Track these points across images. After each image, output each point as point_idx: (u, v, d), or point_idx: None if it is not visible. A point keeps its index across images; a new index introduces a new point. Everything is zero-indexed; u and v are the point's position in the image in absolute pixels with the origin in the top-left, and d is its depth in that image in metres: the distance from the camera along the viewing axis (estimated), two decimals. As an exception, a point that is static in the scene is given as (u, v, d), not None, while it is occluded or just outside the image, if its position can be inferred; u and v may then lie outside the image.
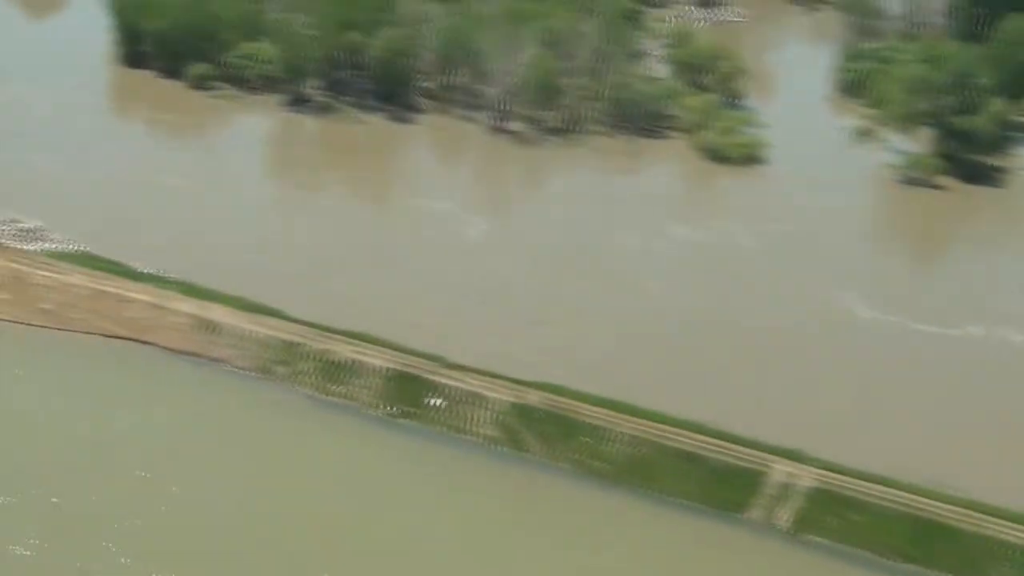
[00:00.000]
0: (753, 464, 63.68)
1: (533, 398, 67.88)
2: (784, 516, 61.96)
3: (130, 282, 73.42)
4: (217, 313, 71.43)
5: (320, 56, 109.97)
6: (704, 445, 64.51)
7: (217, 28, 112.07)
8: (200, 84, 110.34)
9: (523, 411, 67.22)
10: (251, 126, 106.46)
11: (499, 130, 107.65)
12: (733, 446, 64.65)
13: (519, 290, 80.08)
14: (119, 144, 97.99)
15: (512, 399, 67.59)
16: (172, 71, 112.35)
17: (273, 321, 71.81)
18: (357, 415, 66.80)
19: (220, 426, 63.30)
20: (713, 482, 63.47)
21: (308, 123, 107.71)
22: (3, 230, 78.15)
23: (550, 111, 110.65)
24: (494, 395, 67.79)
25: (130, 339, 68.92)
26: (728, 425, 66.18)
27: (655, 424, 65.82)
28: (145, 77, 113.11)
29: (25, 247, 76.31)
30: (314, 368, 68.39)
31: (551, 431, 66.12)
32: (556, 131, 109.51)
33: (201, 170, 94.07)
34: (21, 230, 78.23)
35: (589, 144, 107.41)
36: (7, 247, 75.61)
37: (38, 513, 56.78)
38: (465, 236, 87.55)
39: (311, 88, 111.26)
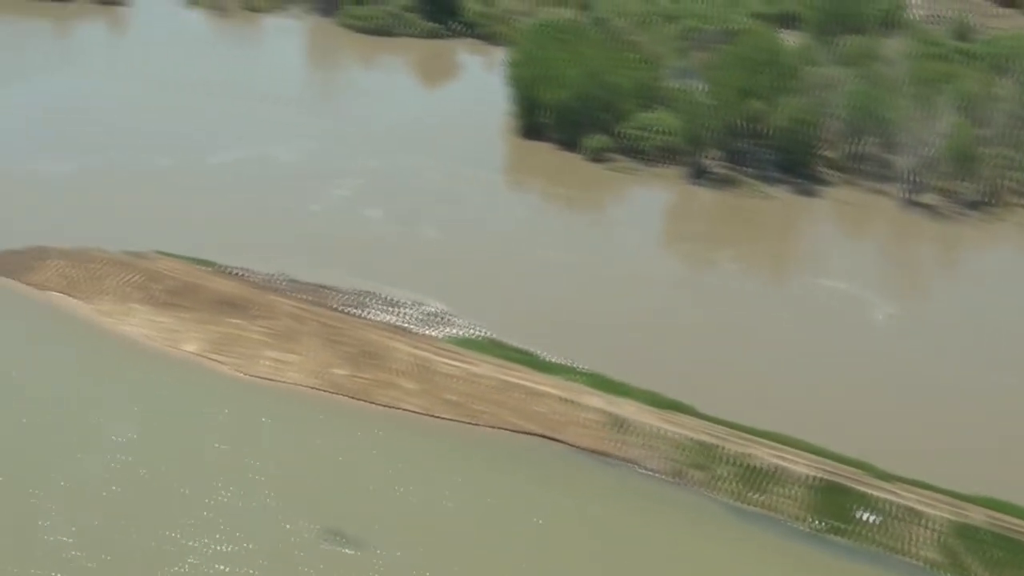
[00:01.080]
0: None
1: (976, 516, 61.14)
2: None
3: (537, 373, 71.19)
4: (627, 409, 68.35)
5: (720, 126, 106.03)
6: None
7: (615, 98, 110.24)
8: (597, 156, 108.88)
9: (965, 531, 60.70)
10: (647, 199, 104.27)
11: (911, 203, 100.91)
12: None
13: (938, 387, 73.33)
14: (512, 217, 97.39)
15: (951, 516, 61.12)
16: (569, 143, 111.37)
17: (685, 419, 68.17)
18: (780, 527, 61.77)
19: (630, 534, 59.74)
20: None
21: (707, 196, 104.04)
22: (408, 314, 77.52)
23: (967, 182, 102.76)
24: (931, 511, 61.45)
25: (538, 435, 66.18)
26: None
27: None
28: (542, 148, 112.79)
29: (430, 333, 75.16)
30: (731, 473, 64.08)
31: (1001, 557, 59.16)
32: (975, 204, 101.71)
33: (596, 246, 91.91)
34: (426, 314, 77.69)
35: (1012, 219, 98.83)
36: (413, 333, 75.05)
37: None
38: (872, 321, 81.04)
39: (710, 159, 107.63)
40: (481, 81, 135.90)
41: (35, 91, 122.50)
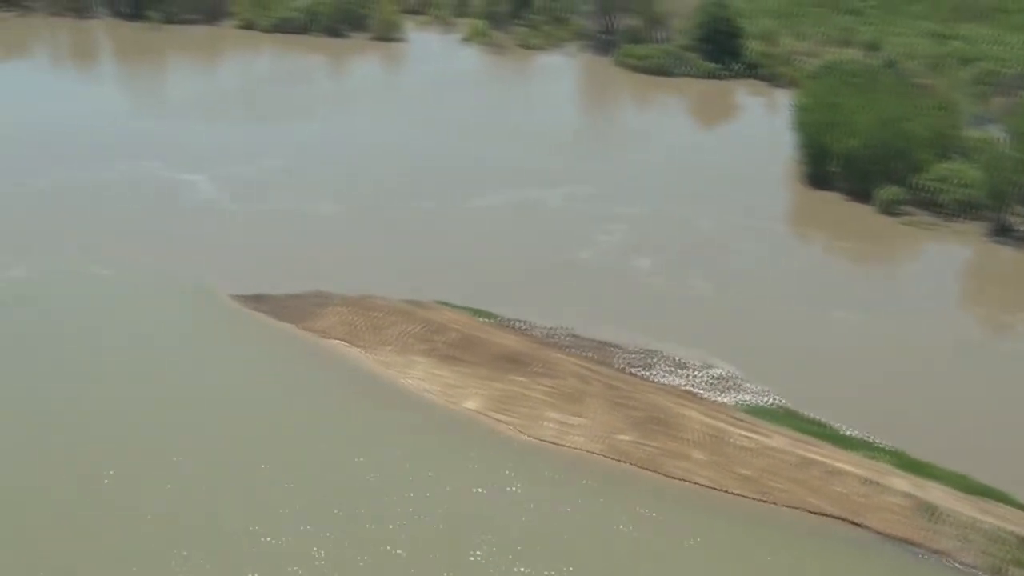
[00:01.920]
0: None
1: None
2: None
3: (835, 449, 67.09)
4: (935, 494, 63.58)
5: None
6: None
7: (909, 147, 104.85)
8: (889, 208, 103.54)
9: None
10: (942, 256, 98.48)
11: None
12: None
13: None
14: (795, 272, 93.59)
15: None
16: (859, 193, 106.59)
17: (1001, 508, 62.82)
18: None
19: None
20: None
21: (1009, 255, 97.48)
22: (696, 377, 74.45)
23: None
24: None
25: (839, 518, 62.04)
26: None
27: None
28: (829, 198, 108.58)
29: (721, 399, 71.90)
30: (1056, 574, 58.54)
31: None
32: None
33: (886, 306, 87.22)
34: (714, 377, 74.52)
35: None
36: (702, 398, 71.91)
37: None
38: None
39: (1014, 215, 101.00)
40: (762, 125, 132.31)
41: (306, 130, 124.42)
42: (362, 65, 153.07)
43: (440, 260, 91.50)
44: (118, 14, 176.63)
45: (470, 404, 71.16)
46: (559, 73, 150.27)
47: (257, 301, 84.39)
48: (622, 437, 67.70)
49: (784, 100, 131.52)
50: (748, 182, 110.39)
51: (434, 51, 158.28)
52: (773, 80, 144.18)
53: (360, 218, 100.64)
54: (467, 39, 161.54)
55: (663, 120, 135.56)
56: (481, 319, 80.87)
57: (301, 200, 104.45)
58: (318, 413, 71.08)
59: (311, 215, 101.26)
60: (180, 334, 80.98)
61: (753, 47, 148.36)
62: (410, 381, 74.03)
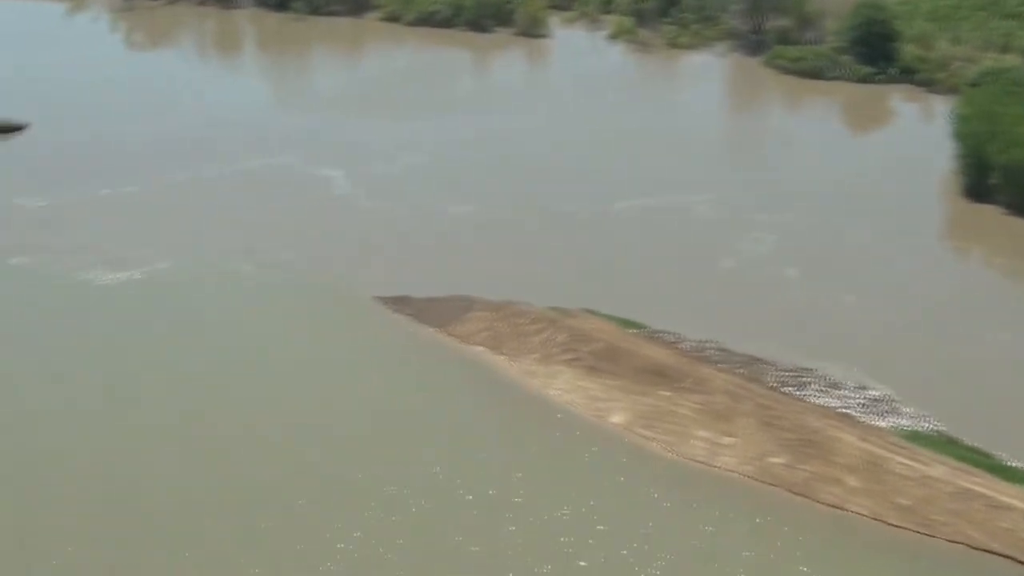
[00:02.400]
0: None
1: None
2: None
3: (1000, 481, 64.42)
4: (1104, 535, 60.33)
5: None
6: None
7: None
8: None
9: None
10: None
11: None
12: None
13: None
14: (949, 289, 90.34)
15: None
16: (1021, 207, 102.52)
17: None
18: None
19: None
20: None
21: None
22: (850, 398, 72.19)
23: None
24: None
25: (1004, 556, 59.45)
26: None
27: None
28: (989, 212, 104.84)
29: (877, 423, 69.55)
30: None
31: None
32: None
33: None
34: (869, 399, 72.22)
35: None
36: (858, 421, 69.63)
37: None
38: None
39: None
40: (918, 132, 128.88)
41: (446, 127, 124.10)
42: (505, 62, 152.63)
43: (583, 265, 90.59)
44: (263, 4, 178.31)
45: (616, 419, 69.91)
46: (707, 74, 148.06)
47: (400, 303, 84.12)
48: (774, 459, 65.86)
49: (941, 107, 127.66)
50: (902, 192, 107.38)
51: (579, 49, 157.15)
52: (930, 86, 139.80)
53: (500, 219, 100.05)
54: (613, 37, 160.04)
55: (814, 125, 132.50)
56: (629, 329, 79.10)
57: (439, 198, 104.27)
58: (459, 423, 70.46)
59: (450, 214, 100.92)
60: (322, 334, 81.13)
61: (908, 51, 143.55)
62: (553, 392, 72.97)
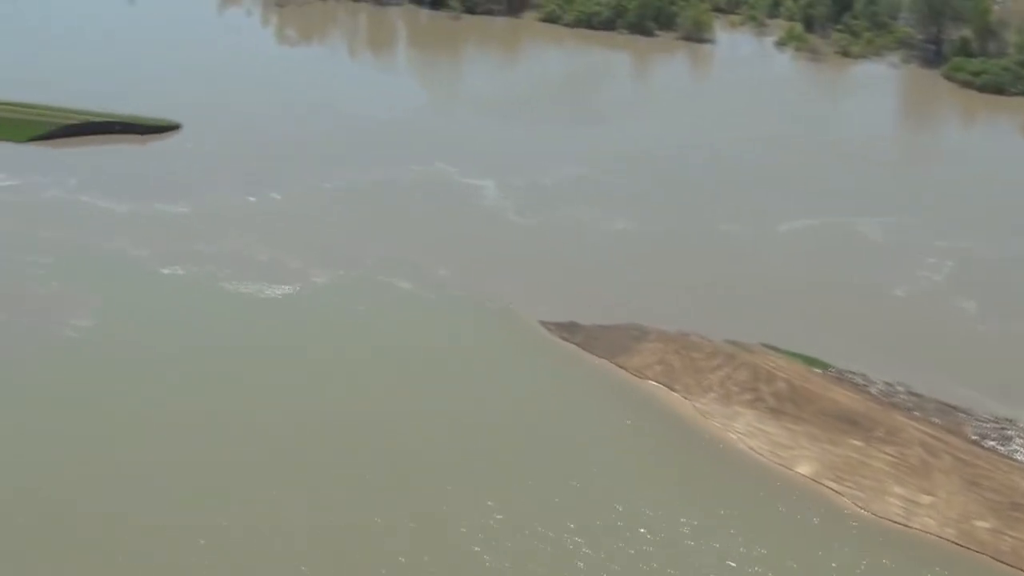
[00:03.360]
0: None
1: None
2: None
3: None
4: None
5: None
6: None
7: None
8: None
9: None
10: None
11: None
12: None
13: None
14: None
15: None
16: None
17: None
18: None
19: None
20: None
21: None
22: None
23: None
24: None
25: None
26: None
27: None
28: None
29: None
30: None
31: None
32: None
33: None
34: None
35: None
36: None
37: None
38: None
39: None
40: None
41: (602, 136, 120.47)
42: (667, 67, 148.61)
43: (753, 293, 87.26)
44: (417, 1, 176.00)
45: (802, 469, 65.97)
46: (882, 85, 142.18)
47: (567, 330, 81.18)
48: (979, 523, 61.46)
49: None
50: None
51: (746, 55, 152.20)
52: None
53: (660, 238, 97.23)
54: (781, 43, 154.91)
55: (995, 145, 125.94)
56: (813, 368, 74.90)
57: (595, 213, 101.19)
58: (634, 463, 67.34)
59: (606, 231, 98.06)
60: (490, 361, 78.45)
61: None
62: (734, 435, 69.16)
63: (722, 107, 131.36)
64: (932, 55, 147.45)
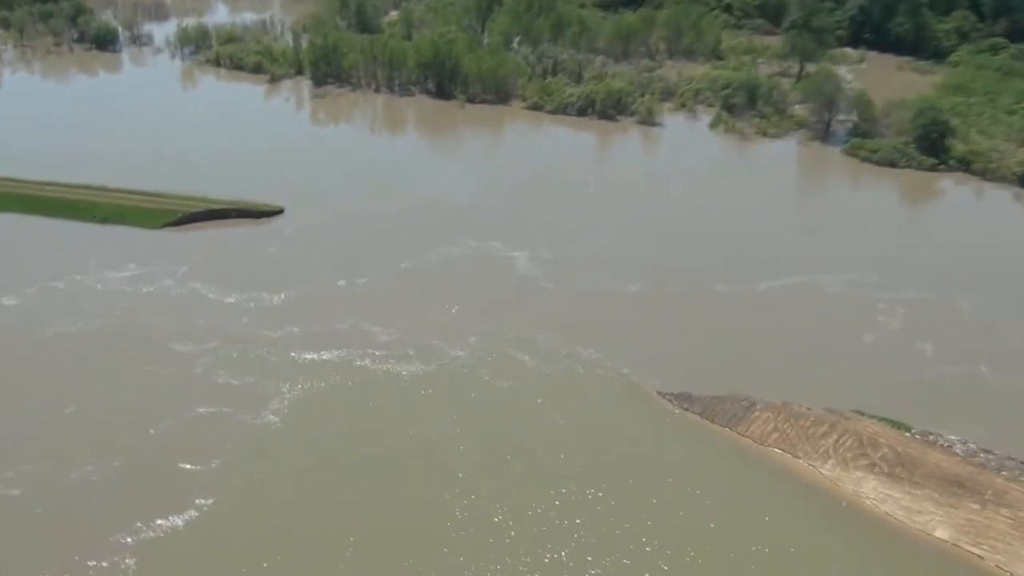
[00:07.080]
0: None
1: None
2: None
3: None
4: None
5: None
6: None
7: None
8: None
9: None
10: None
11: None
12: None
13: None
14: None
15: None
16: None
17: None
18: None
19: None
20: None
21: None
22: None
23: None
24: None
25: None
26: None
27: None
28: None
29: None
30: None
31: None
32: None
33: None
34: None
35: None
36: None
37: None
38: None
39: None
40: (970, 215, 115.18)
41: (611, 209, 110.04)
42: (624, 151, 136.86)
43: (804, 354, 79.84)
44: (427, 92, 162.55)
45: (940, 533, 56.10)
46: (794, 160, 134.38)
47: (685, 400, 69.95)
48: (1110, 582, 52.05)
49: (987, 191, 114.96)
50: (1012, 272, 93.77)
51: (687, 137, 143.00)
52: (982, 174, 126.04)
53: (669, 300, 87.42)
54: (713, 126, 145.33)
55: (912, 208, 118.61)
56: (901, 431, 65.10)
57: (611, 279, 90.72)
58: (778, 529, 57.25)
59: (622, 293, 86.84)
60: (624, 433, 68.15)
61: (957, 147, 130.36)
62: (867, 501, 58.93)
63: (681, 179, 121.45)
64: (823, 133, 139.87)
